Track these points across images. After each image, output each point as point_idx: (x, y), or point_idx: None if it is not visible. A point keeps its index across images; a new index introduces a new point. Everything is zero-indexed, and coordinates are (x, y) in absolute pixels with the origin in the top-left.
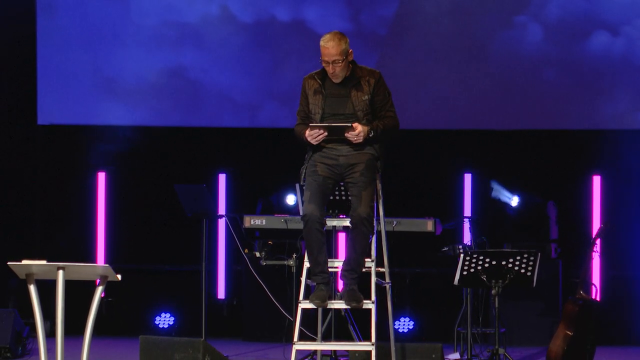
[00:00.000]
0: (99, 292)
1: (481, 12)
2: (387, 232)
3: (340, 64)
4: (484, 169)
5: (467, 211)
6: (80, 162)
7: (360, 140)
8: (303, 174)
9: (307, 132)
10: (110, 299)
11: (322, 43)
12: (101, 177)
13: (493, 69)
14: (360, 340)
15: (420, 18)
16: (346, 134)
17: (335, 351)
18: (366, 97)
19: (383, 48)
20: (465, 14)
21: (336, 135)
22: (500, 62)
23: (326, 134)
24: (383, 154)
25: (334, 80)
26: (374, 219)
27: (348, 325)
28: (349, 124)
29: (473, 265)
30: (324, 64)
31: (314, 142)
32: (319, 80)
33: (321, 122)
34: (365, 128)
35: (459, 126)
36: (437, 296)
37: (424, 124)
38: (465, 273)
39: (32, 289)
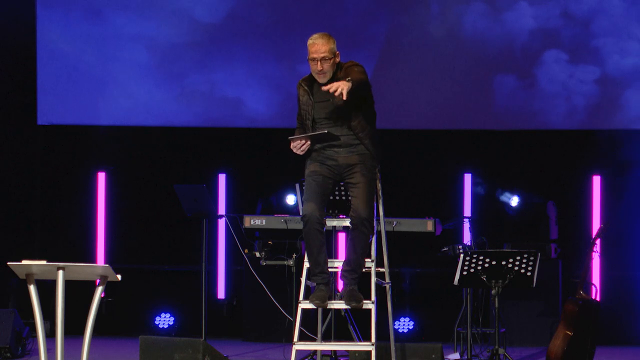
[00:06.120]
0: (99, 292)
1: (474, 12)
2: (387, 232)
3: (328, 62)
4: (484, 169)
5: (467, 211)
6: (80, 162)
7: (345, 90)
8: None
9: (291, 144)
10: (110, 299)
11: (310, 41)
12: (101, 177)
13: (492, 69)
14: (360, 340)
15: (416, 20)
16: (330, 90)
17: (335, 351)
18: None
19: (382, 49)
20: (458, 15)
21: (321, 142)
22: (499, 62)
23: (309, 143)
24: (382, 154)
25: (321, 80)
26: (374, 219)
27: (348, 325)
28: (325, 131)
29: (473, 265)
30: (311, 63)
31: (299, 152)
32: (306, 87)
33: (313, 127)
34: (342, 81)
35: (459, 126)
36: (437, 296)
37: (424, 124)
38: (465, 273)
39: (32, 289)
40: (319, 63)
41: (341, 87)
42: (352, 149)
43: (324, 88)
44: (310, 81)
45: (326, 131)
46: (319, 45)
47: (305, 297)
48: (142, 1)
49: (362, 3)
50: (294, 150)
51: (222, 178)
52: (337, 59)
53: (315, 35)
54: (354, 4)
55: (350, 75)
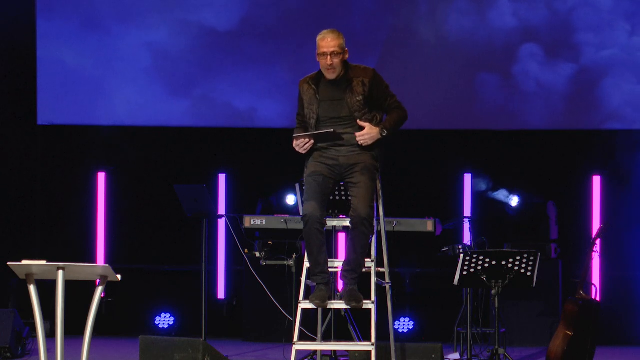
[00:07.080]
0: (99, 292)
1: (459, 11)
2: (387, 232)
3: (338, 57)
4: (484, 169)
5: (467, 211)
6: (80, 162)
7: (369, 142)
8: (305, 171)
9: (294, 142)
10: (110, 299)
11: (320, 37)
12: (101, 177)
13: (492, 68)
14: (360, 340)
15: (415, 20)
16: (358, 138)
17: (335, 351)
18: (360, 97)
19: (382, 50)
20: (453, 14)
21: (324, 142)
22: (499, 62)
23: (312, 142)
24: (383, 154)
25: (329, 76)
26: (374, 219)
27: (348, 325)
28: (331, 130)
29: (473, 265)
30: (320, 58)
31: (302, 151)
32: (312, 86)
33: (317, 126)
34: (375, 130)
35: (459, 126)
36: (437, 296)
37: (424, 124)
38: (465, 273)
39: (32, 289)
40: (329, 57)
41: (365, 139)
42: (354, 148)
43: (359, 138)
44: (316, 79)
45: (332, 130)
46: (329, 40)
47: (305, 297)
48: (143, 6)
49: (366, 5)
50: (297, 149)
51: (222, 178)
52: (346, 56)
53: (325, 31)
54: (358, 7)
55: (385, 104)
